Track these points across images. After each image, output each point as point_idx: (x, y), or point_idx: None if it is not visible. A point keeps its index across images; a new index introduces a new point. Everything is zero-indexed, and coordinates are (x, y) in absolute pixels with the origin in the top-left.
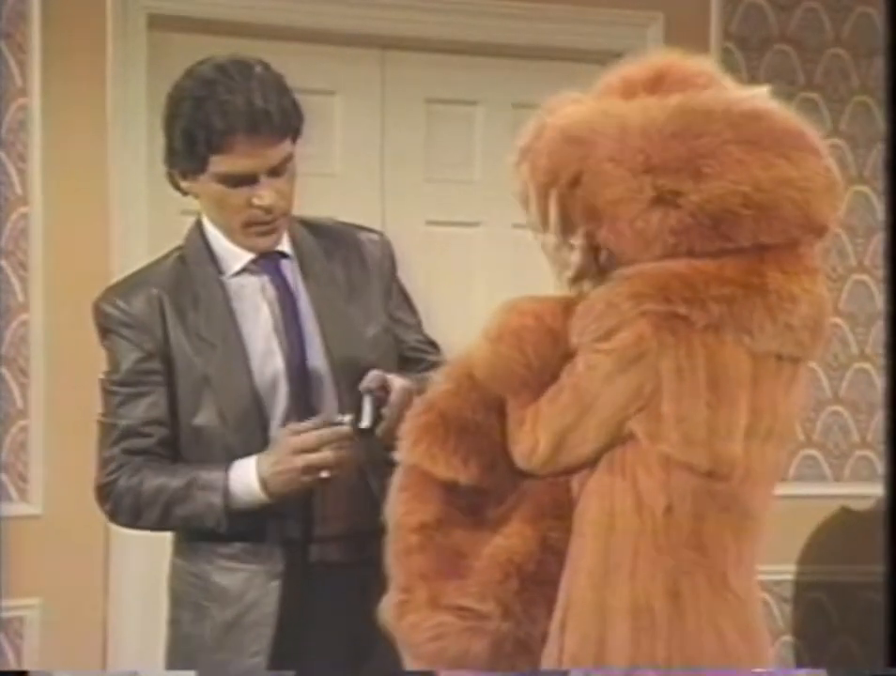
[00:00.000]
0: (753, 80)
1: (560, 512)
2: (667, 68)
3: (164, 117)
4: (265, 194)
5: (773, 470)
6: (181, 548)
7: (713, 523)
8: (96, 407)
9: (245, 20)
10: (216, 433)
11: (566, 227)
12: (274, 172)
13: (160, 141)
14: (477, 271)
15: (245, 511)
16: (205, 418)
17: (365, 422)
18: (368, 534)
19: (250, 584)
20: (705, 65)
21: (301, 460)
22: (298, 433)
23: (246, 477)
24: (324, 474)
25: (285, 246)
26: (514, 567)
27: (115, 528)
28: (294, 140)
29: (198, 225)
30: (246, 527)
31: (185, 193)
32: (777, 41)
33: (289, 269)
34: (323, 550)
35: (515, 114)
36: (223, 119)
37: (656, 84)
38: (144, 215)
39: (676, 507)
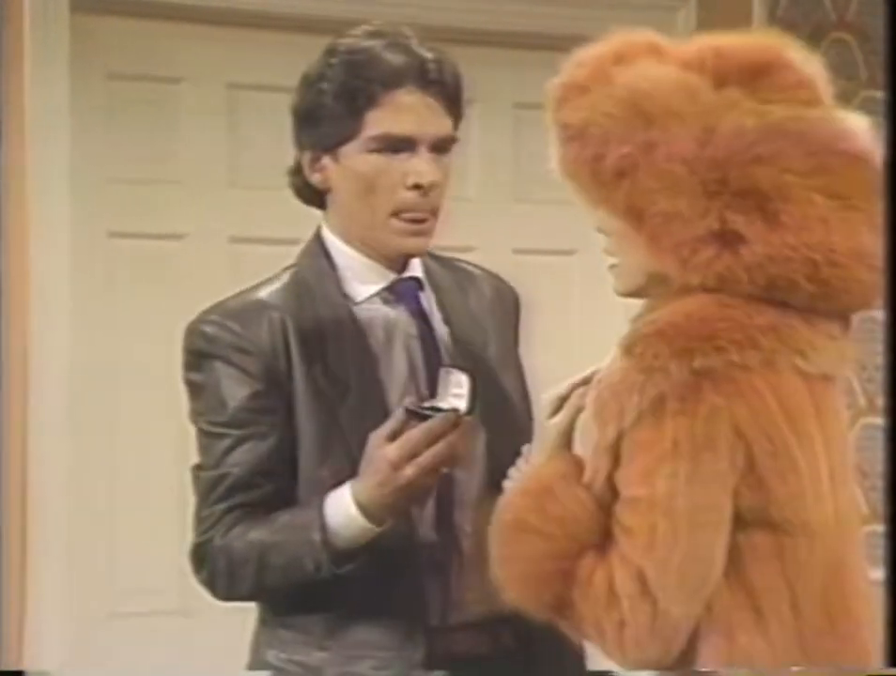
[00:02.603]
0: None
1: None
2: (773, 60)
3: (302, 91)
4: (425, 170)
5: (855, 515)
6: (279, 636)
7: (836, 595)
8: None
9: (190, 1)
10: None
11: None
12: (436, 147)
13: (85, 147)
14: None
15: (348, 550)
16: (331, 472)
17: (464, 405)
18: (503, 621)
19: None
20: (816, 70)
21: (412, 469)
22: (389, 439)
23: (343, 507)
24: (444, 470)
25: (418, 271)
26: None
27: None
28: (455, 129)
29: (318, 239)
30: (359, 585)
31: (309, 195)
32: (834, 28)
33: (426, 303)
34: (459, 641)
35: (517, 115)
36: (388, 67)
37: (754, 79)
38: (66, 236)
39: (801, 594)
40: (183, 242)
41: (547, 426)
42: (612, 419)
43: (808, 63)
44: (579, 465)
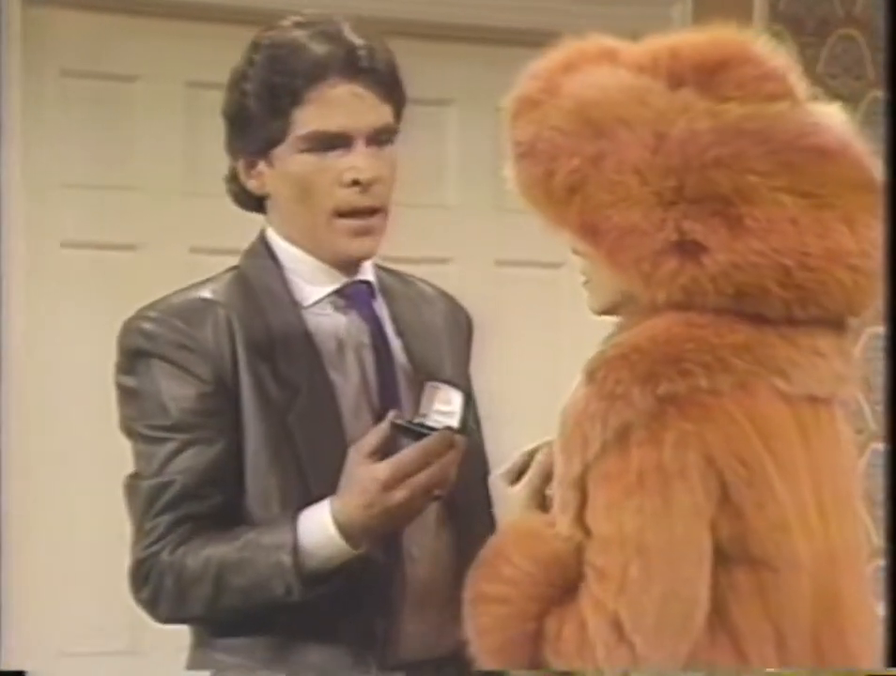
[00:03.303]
0: (809, 74)
1: None
2: (733, 55)
3: (228, 92)
4: (363, 165)
5: (857, 548)
6: (215, 660)
7: (830, 634)
8: None
9: None
10: (297, 500)
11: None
12: (373, 140)
13: (38, 148)
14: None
15: (320, 572)
16: (280, 479)
17: (457, 423)
18: (449, 660)
19: None
20: (784, 62)
21: (404, 490)
22: (372, 454)
23: (320, 526)
24: (437, 492)
25: (369, 275)
26: None
27: None
28: (396, 118)
29: (262, 240)
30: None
31: (247, 200)
32: (840, 24)
33: (379, 310)
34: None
35: (498, 117)
36: (310, 59)
37: (712, 76)
38: (18, 245)
39: (789, 634)
40: (139, 253)
41: (509, 494)
42: (577, 450)
43: (774, 56)
44: (545, 522)
